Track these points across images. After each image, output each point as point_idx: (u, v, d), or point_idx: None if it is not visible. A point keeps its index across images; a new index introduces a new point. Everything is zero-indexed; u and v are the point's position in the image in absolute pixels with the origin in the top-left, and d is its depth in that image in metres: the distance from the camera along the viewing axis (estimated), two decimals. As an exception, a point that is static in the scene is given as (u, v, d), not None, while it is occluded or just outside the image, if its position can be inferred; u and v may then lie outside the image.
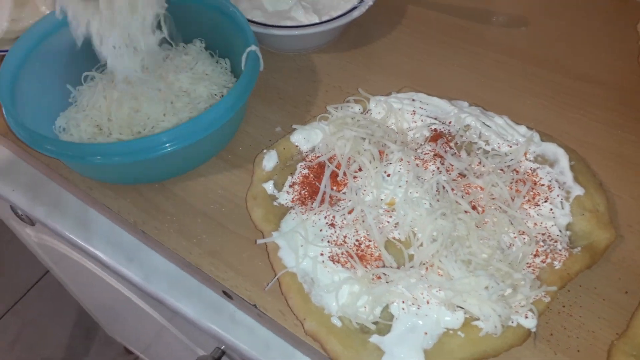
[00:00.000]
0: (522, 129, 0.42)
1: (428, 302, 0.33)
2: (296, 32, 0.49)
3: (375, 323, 0.34)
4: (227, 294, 0.39)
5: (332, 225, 0.38)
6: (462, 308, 0.33)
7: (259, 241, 0.38)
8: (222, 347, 0.59)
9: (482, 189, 0.38)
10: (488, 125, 0.43)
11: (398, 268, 0.36)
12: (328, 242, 0.37)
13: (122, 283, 0.66)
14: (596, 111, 0.48)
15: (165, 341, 0.85)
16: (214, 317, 0.40)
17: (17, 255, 1.47)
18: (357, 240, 0.37)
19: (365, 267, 0.36)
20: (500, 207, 0.38)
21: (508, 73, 0.51)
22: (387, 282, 0.35)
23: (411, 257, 0.36)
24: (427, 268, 0.35)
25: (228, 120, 0.40)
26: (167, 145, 0.38)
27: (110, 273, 0.64)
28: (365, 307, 0.34)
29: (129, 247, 0.44)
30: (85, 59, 0.46)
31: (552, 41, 0.54)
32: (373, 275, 0.35)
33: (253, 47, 0.42)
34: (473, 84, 0.50)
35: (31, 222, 0.61)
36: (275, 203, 0.40)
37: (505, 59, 0.53)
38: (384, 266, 0.36)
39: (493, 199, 0.38)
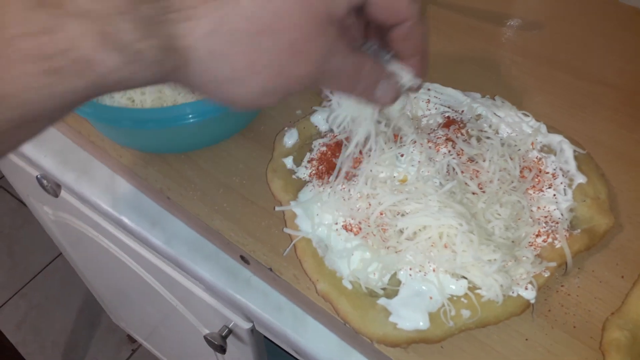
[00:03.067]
0: (531, 120, 0.45)
1: (434, 270, 0.35)
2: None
3: (384, 289, 0.37)
4: (244, 259, 0.42)
5: (347, 197, 0.40)
6: (466, 278, 0.35)
7: (278, 208, 0.40)
8: (230, 325, 0.61)
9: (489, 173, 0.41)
10: (498, 116, 0.45)
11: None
12: (342, 212, 0.39)
13: (138, 261, 0.68)
14: (604, 111, 0.50)
15: (172, 324, 0.87)
16: (230, 281, 0.42)
17: (28, 240, 1.50)
18: (370, 211, 0.39)
19: (376, 236, 0.38)
20: (507, 191, 0.40)
21: (520, 72, 0.54)
22: (396, 252, 0.37)
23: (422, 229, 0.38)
24: (433, 243, 0.37)
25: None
26: (190, 116, 0.41)
27: (128, 251, 0.67)
28: (374, 274, 0.37)
29: (152, 212, 0.46)
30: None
31: (565, 44, 0.57)
32: (384, 245, 0.37)
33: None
34: (486, 79, 0.53)
35: (55, 193, 0.63)
36: (293, 177, 0.43)
37: (518, 59, 0.55)
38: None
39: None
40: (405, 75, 0.32)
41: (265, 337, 0.59)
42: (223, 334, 0.62)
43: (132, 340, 1.33)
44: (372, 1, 0.27)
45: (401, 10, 0.28)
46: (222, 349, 0.63)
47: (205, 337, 0.62)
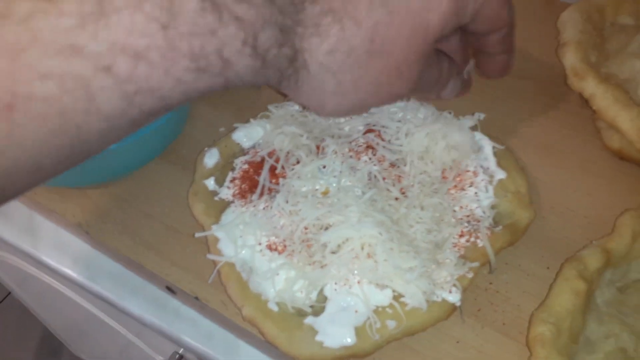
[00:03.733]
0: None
1: (359, 282, 0.35)
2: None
3: (312, 307, 0.36)
4: (170, 289, 0.40)
5: (270, 216, 0.39)
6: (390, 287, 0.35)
7: (198, 234, 0.39)
8: (180, 352, 0.60)
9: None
10: (419, 117, 0.45)
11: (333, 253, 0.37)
12: (265, 231, 0.38)
13: (86, 298, 0.66)
14: (523, 104, 0.51)
15: (130, 353, 0.84)
16: (158, 313, 0.41)
17: (-23, 279, 1.43)
18: (294, 228, 0.38)
19: (301, 252, 0.37)
20: (428, 194, 0.40)
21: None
22: (321, 267, 0.36)
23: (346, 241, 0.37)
24: (356, 255, 0.36)
25: (168, 117, 0.42)
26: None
27: (71, 286, 0.64)
28: (301, 292, 0.36)
29: (73, 249, 0.44)
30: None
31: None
32: (309, 261, 0.37)
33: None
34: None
35: (-19, 234, 0.60)
36: (216, 198, 0.42)
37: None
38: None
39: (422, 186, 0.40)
40: (468, 67, 0.35)
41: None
42: (174, 361, 0.61)
43: (96, 371, 1.28)
44: (477, 19, 0.28)
45: (502, 19, 0.30)
46: (174, 377, 0.61)
47: (155, 367, 0.60)
